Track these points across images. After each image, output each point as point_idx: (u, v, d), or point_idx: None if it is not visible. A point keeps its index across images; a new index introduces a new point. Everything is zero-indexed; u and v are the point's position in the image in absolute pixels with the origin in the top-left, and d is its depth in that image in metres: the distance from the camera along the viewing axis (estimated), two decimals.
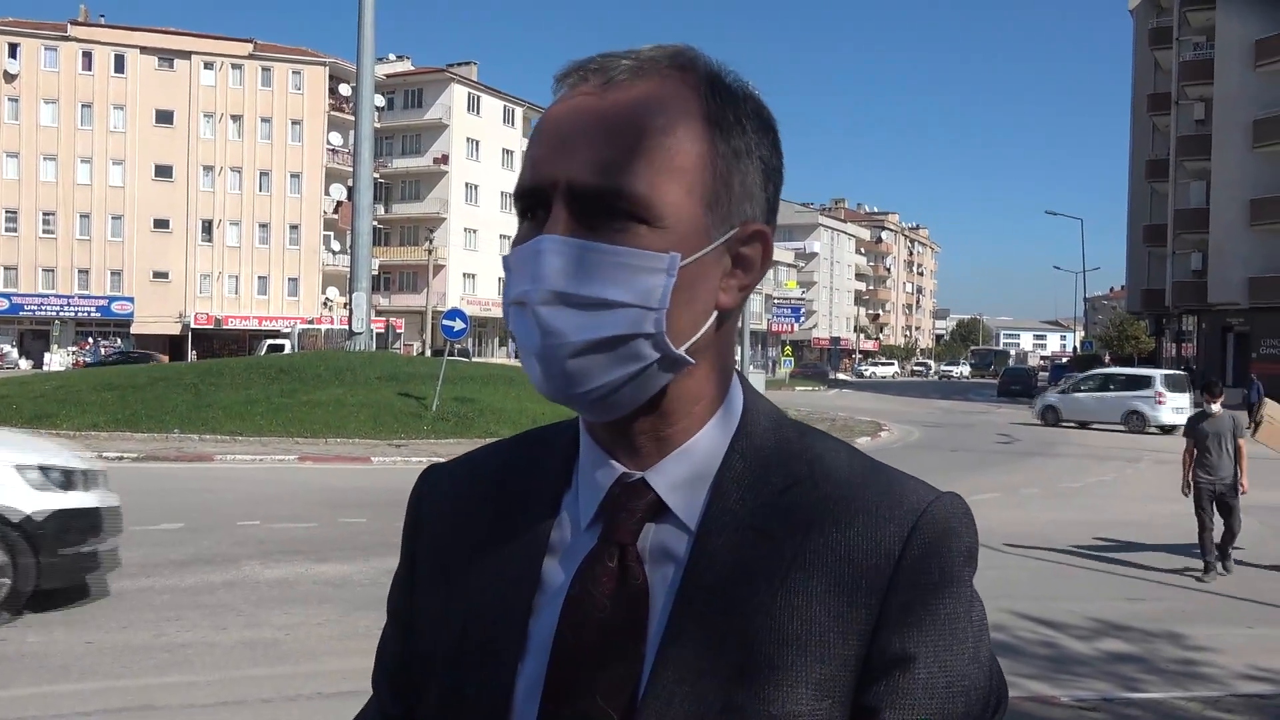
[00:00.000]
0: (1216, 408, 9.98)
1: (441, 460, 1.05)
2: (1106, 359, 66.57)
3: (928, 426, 29.75)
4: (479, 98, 74.18)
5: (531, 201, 0.84)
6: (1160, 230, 54.66)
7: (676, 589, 0.84)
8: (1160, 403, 30.21)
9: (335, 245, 67.54)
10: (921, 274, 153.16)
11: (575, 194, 0.81)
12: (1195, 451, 9.99)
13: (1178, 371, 35.57)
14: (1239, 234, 46.01)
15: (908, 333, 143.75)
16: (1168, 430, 28.76)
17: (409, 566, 1.00)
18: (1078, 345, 77.43)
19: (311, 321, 57.88)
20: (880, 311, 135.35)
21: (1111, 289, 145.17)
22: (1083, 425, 30.88)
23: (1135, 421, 30.14)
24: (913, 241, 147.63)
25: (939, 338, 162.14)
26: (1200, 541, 9.83)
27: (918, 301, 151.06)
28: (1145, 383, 31.01)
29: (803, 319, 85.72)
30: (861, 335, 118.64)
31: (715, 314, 0.86)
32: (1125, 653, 7.33)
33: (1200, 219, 49.29)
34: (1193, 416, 10.04)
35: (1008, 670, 6.68)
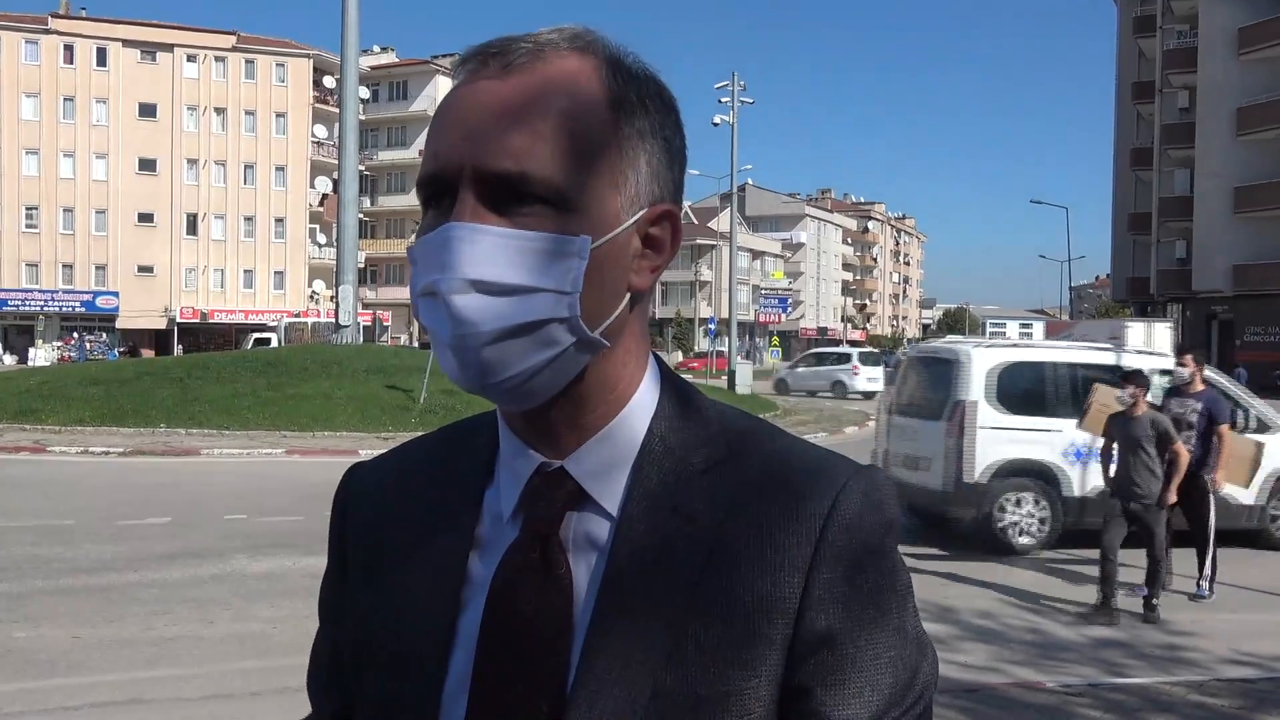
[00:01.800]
0: (1128, 399, 8.08)
1: (363, 460, 1.05)
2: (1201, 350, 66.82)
3: None
4: None
5: (436, 189, 0.82)
6: (1145, 218, 54.89)
7: (600, 576, 0.84)
8: (856, 374, 38.12)
9: (321, 238, 67.30)
10: (908, 264, 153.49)
11: (481, 180, 0.79)
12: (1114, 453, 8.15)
13: (872, 349, 45.48)
14: (1223, 222, 46.28)
15: (895, 322, 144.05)
16: (868, 396, 34.98)
17: (338, 567, 1.00)
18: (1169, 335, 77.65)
19: (298, 315, 57.70)
20: (867, 301, 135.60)
21: (1097, 277, 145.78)
22: (811, 394, 37.20)
23: (839, 389, 37.54)
24: (899, 231, 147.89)
25: (926, 327, 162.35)
26: (1100, 570, 8.00)
27: (904, 291, 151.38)
28: (846, 359, 39.97)
29: (790, 309, 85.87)
30: (849, 325, 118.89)
31: (628, 296, 0.85)
32: (1111, 638, 7.39)
33: (1185, 207, 49.55)
34: (1113, 414, 8.22)
35: (995, 657, 6.72)
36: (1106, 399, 9.43)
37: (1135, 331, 46.52)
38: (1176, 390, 9.11)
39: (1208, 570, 8.65)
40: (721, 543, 0.82)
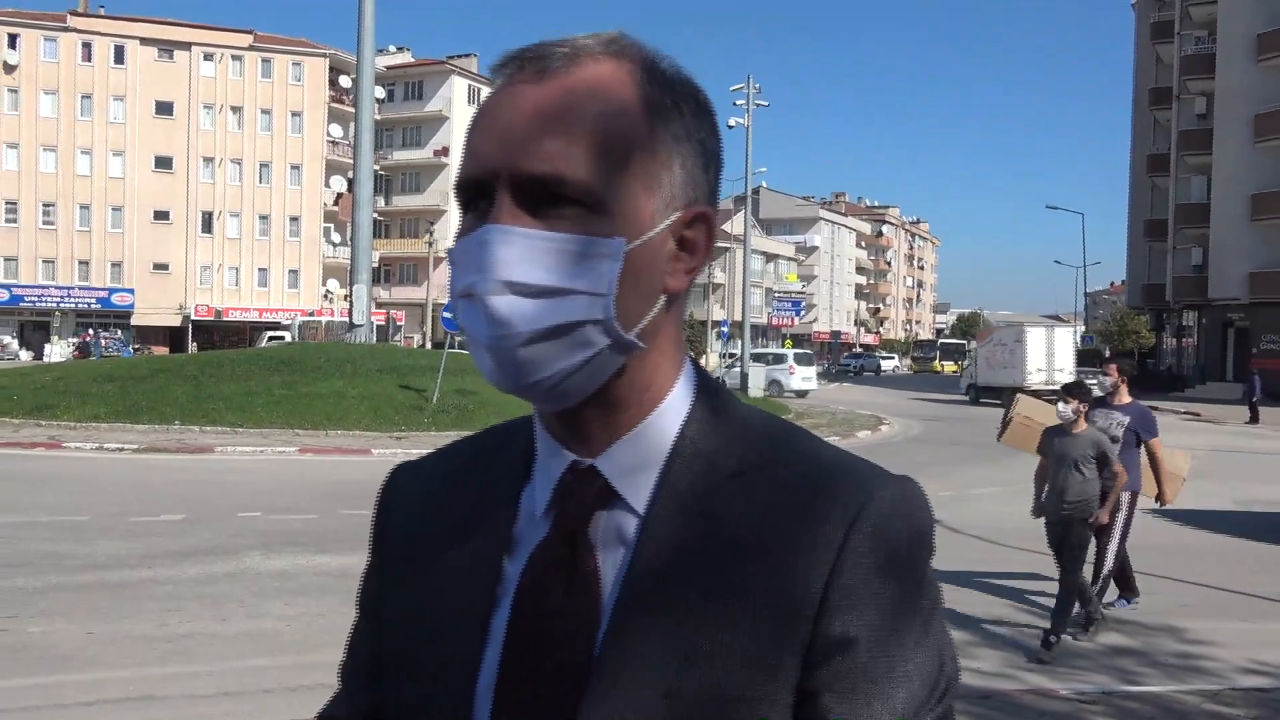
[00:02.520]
0: (1071, 416, 7.35)
1: (409, 459, 1.06)
2: (1106, 354, 66.62)
3: (928, 420, 29.76)
4: (479, 90, 74.08)
5: (473, 193, 0.84)
6: (1161, 225, 54.63)
7: (624, 574, 0.84)
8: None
9: (335, 237, 67.50)
10: (922, 268, 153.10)
11: (518, 183, 0.81)
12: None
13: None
14: (1240, 229, 46.00)
15: (908, 327, 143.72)
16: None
17: (378, 563, 1.01)
18: (1078, 340, 77.42)
19: (312, 314, 57.95)
20: (881, 305, 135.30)
21: (1112, 283, 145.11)
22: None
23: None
24: (913, 235, 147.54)
25: (939, 331, 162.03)
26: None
27: (918, 295, 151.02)
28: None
29: (803, 312, 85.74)
30: (862, 329, 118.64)
31: (664, 298, 0.86)
32: (1124, 646, 7.35)
33: (1201, 214, 49.28)
34: (1049, 429, 7.56)
35: (1008, 663, 6.69)
36: (1030, 411, 8.93)
37: (1035, 336, 46.80)
38: (1101, 401, 8.35)
39: (1098, 585, 7.90)
40: (745, 546, 0.82)
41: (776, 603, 0.81)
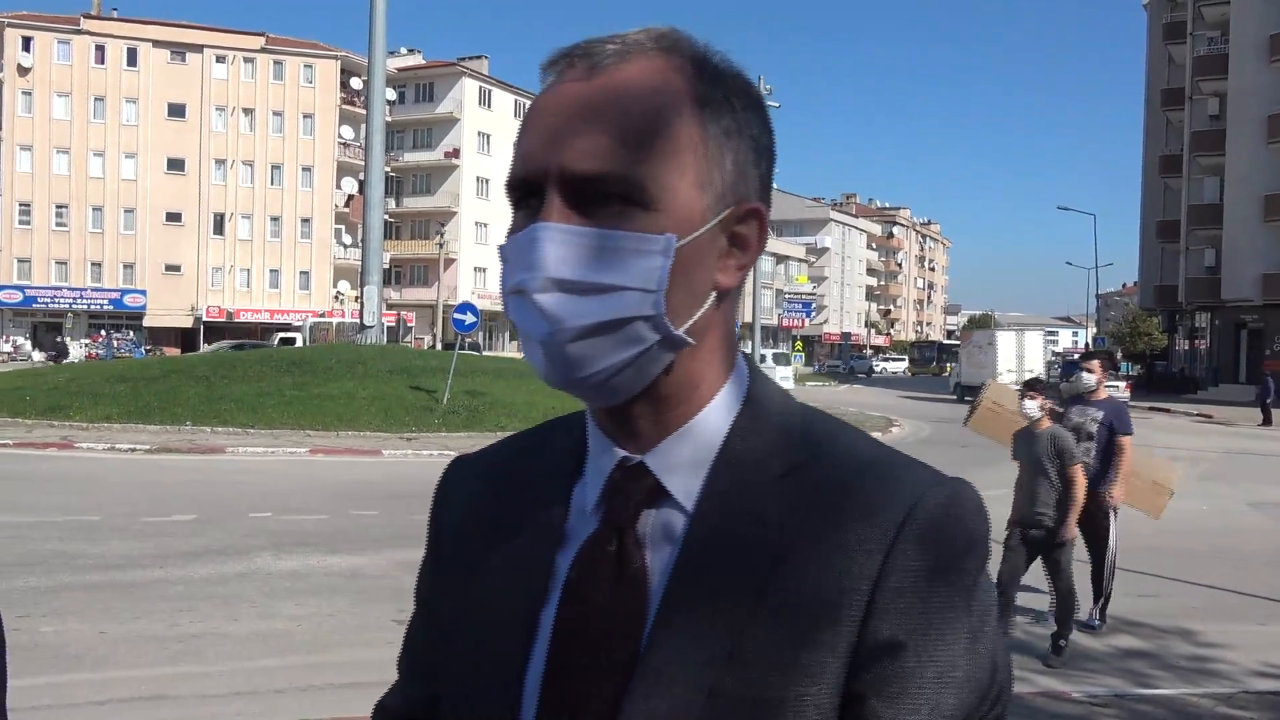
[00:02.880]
0: (1036, 413, 7.10)
1: (466, 453, 1.07)
2: (1119, 355, 66.36)
3: (938, 422, 29.65)
4: (490, 91, 74.19)
5: (524, 191, 0.84)
6: (1174, 226, 54.41)
7: (670, 571, 0.84)
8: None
9: (347, 239, 67.66)
10: (933, 269, 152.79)
11: (568, 181, 0.80)
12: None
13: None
14: (1253, 230, 45.80)
15: (919, 328, 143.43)
16: None
17: (433, 556, 1.02)
18: (1090, 341, 77.15)
19: (323, 315, 58.07)
20: (891, 307, 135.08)
21: (1124, 285, 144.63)
22: None
23: None
24: (924, 236, 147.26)
25: (950, 333, 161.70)
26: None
27: (929, 297, 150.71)
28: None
29: (814, 314, 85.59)
30: (872, 330, 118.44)
31: (714, 294, 0.86)
32: (1137, 649, 7.32)
33: (1214, 215, 49.08)
34: (1018, 432, 7.26)
35: (1020, 666, 6.66)
36: (999, 397, 8.44)
37: (1005, 339, 48.45)
38: (1079, 398, 8.09)
39: (1103, 598, 7.82)
40: (792, 547, 0.81)
41: (823, 604, 0.80)
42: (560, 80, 0.84)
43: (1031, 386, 7.25)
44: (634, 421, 0.87)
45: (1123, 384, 41.29)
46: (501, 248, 0.86)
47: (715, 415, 0.88)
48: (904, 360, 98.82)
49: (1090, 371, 8.02)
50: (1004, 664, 0.84)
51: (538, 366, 0.84)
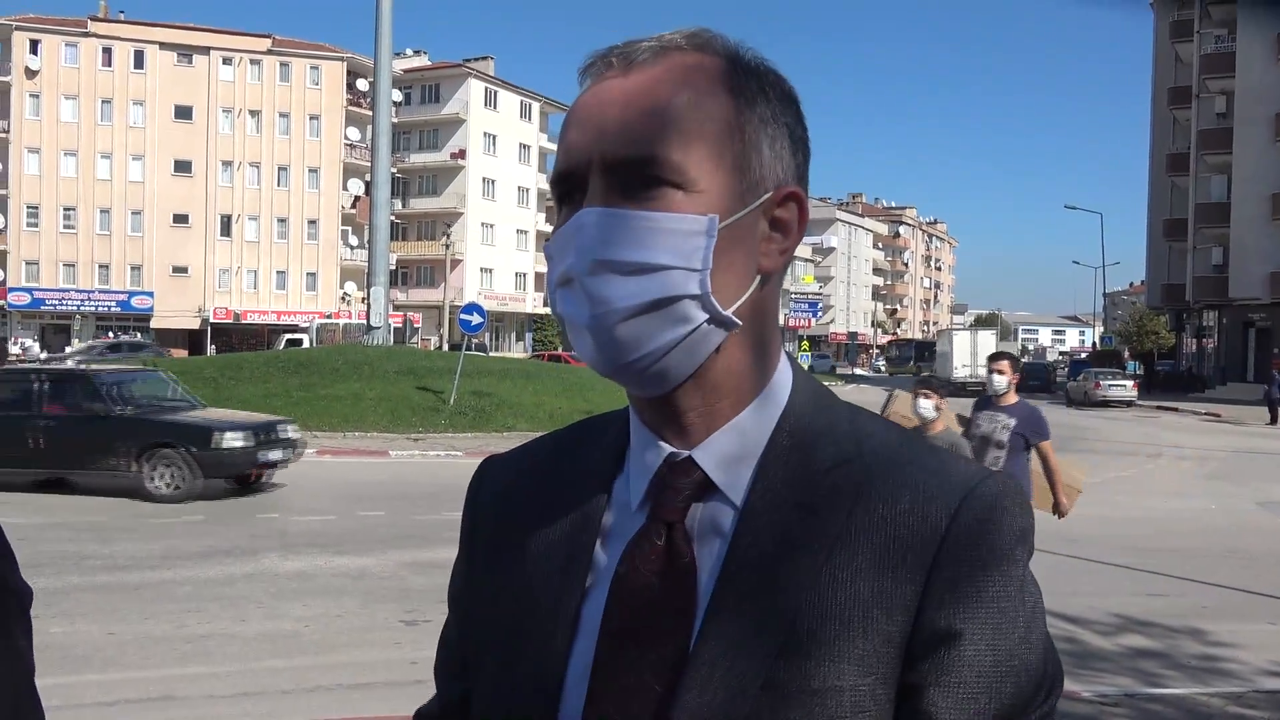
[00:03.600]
0: (932, 414, 6.77)
1: (498, 453, 1.07)
2: (1126, 355, 66.19)
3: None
4: (496, 93, 74.23)
5: (568, 186, 0.86)
6: (1181, 225, 54.27)
7: (720, 565, 0.84)
8: None
9: (353, 240, 67.74)
10: (939, 268, 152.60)
11: (609, 167, 0.83)
12: None
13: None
14: (1261, 228, 45.67)
15: (925, 327, 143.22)
16: None
17: (466, 554, 1.02)
18: (1097, 340, 76.96)
19: (329, 316, 58.14)
20: (898, 306, 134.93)
21: (1131, 284, 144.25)
22: None
23: None
24: (930, 236, 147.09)
25: (925, 331, 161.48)
26: None
27: (935, 296, 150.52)
28: None
29: (820, 314, 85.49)
30: (879, 330, 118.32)
31: (759, 278, 0.87)
32: (1147, 648, 7.29)
33: (1221, 213, 48.93)
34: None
35: None
36: (905, 409, 7.78)
37: (961, 339, 51.02)
38: (987, 402, 7.40)
39: None
40: (843, 539, 0.82)
41: (875, 596, 0.81)
42: (599, 80, 0.87)
43: (925, 385, 6.86)
44: (680, 416, 0.88)
45: (1130, 383, 41.23)
46: (546, 246, 0.88)
47: (760, 410, 0.89)
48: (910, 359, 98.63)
49: (999, 373, 7.33)
50: (1054, 658, 0.85)
51: (587, 355, 0.85)
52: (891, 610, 0.80)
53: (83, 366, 15.11)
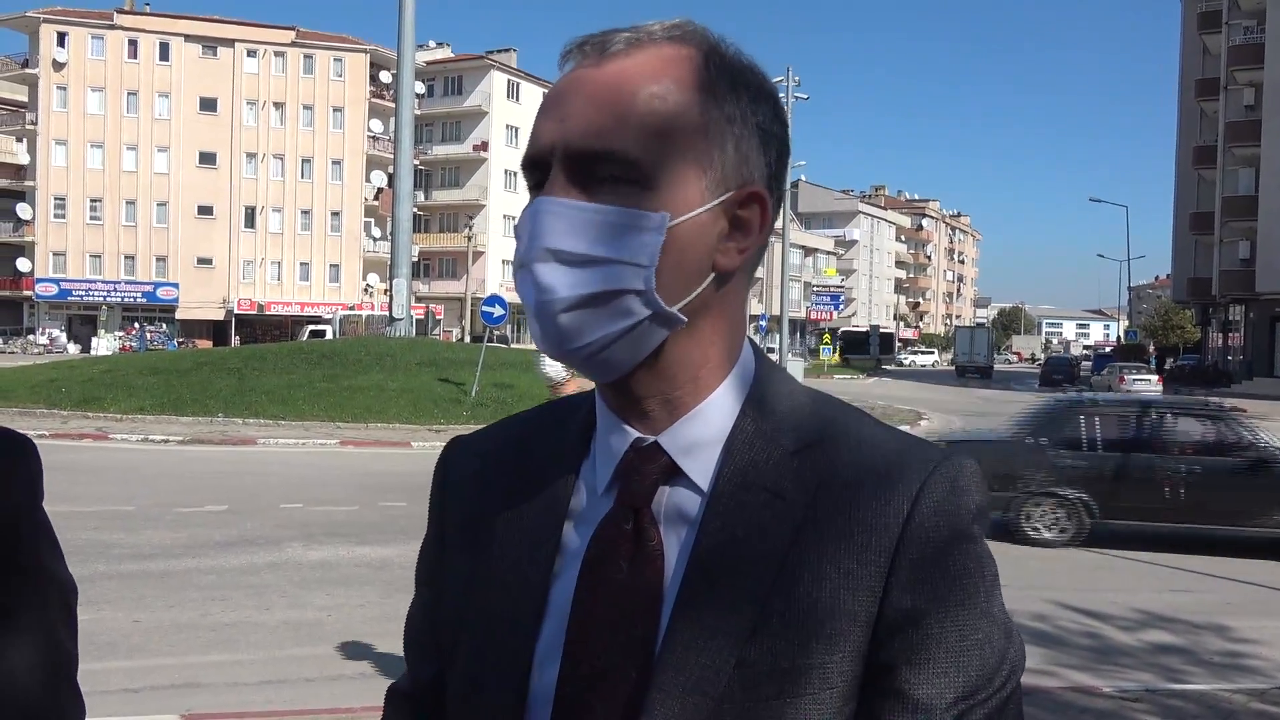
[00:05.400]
0: (560, 375, 5.74)
1: (464, 433, 1.08)
2: (1151, 349, 65.66)
3: (968, 416, 29.48)
4: (518, 84, 74.30)
5: (536, 172, 0.87)
6: (1207, 218, 53.77)
7: (690, 549, 0.86)
8: None
9: (376, 232, 68.01)
10: (963, 262, 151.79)
11: (570, 158, 0.84)
12: None
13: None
14: None
15: (948, 321, 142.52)
16: None
17: (436, 535, 1.03)
18: (1122, 335, 76.43)
19: (352, 308, 58.45)
20: (920, 299, 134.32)
21: (1157, 277, 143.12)
22: None
23: None
24: (954, 229, 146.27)
25: (957, 325, 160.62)
26: None
27: (958, 290, 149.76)
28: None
29: (842, 307, 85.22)
30: (901, 323, 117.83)
31: (713, 276, 0.87)
32: (1169, 644, 7.26)
33: (1249, 206, 48.47)
34: None
35: (1051, 660, 6.63)
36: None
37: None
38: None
39: None
40: (809, 521, 0.84)
41: (842, 577, 0.83)
42: (574, 68, 0.88)
43: None
44: (642, 402, 0.89)
45: (1155, 378, 40.94)
46: (515, 227, 0.89)
47: (725, 396, 0.90)
48: (933, 353, 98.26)
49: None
50: (1016, 632, 0.87)
51: (536, 338, 0.87)
52: (857, 590, 0.82)
53: (1218, 401, 12.81)
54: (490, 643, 0.91)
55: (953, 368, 66.87)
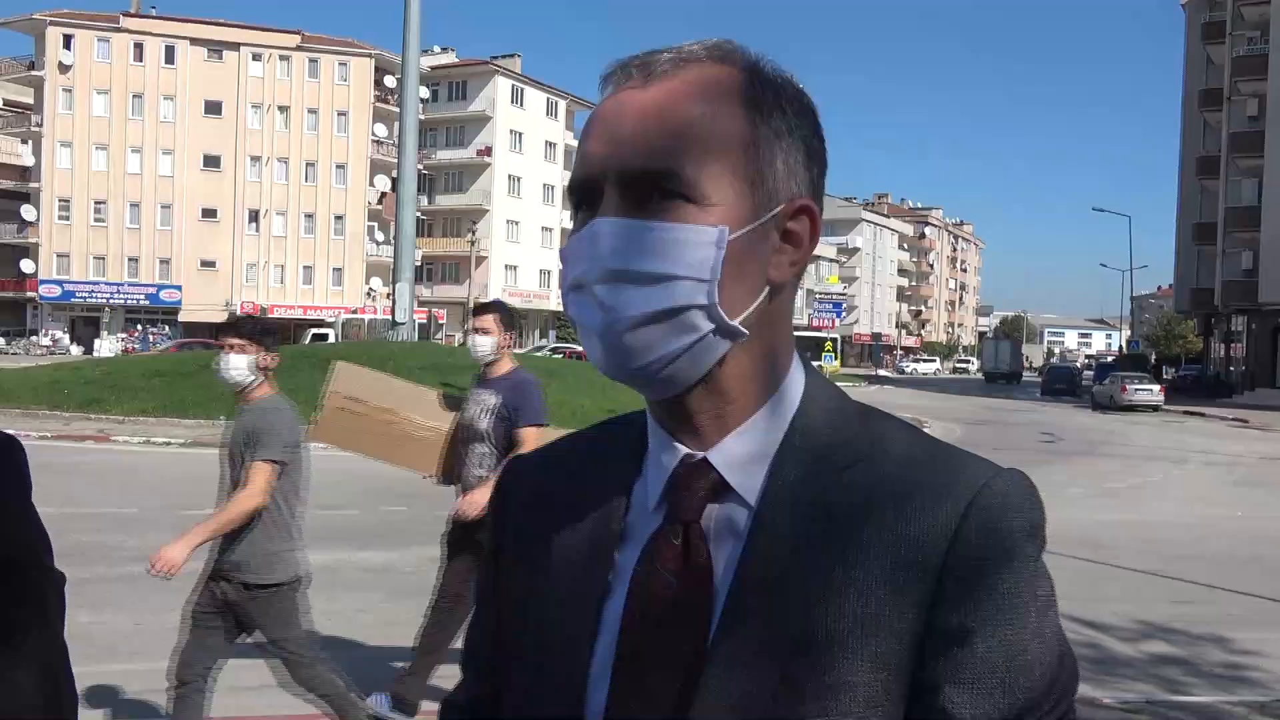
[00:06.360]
0: (246, 376, 4.63)
1: (524, 452, 1.12)
2: (1152, 359, 65.62)
3: (970, 424, 29.49)
4: (522, 90, 74.40)
5: (585, 194, 0.88)
6: (1210, 228, 53.77)
7: (737, 565, 0.87)
8: None
9: (379, 236, 68.07)
10: (965, 270, 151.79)
11: (624, 179, 0.85)
12: None
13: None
14: None
15: (950, 329, 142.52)
16: None
17: (495, 550, 1.05)
18: (1124, 344, 76.38)
19: (355, 311, 58.41)
20: (923, 308, 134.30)
21: (1159, 287, 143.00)
22: None
23: None
24: (956, 237, 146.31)
25: (982, 335, 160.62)
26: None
27: (961, 298, 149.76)
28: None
29: (844, 314, 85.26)
30: (903, 331, 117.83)
31: (768, 289, 0.89)
32: (1170, 655, 7.25)
33: (1252, 217, 48.46)
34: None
35: None
36: (356, 388, 5.79)
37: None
38: (480, 378, 5.52)
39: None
40: (857, 537, 0.84)
41: (889, 594, 0.83)
42: (618, 90, 0.89)
43: (225, 331, 4.72)
44: (694, 418, 0.90)
45: (1157, 388, 40.87)
46: (561, 251, 0.90)
47: (775, 411, 0.91)
48: (935, 361, 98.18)
49: (482, 332, 5.28)
50: (1070, 655, 0.86)
51: (597, 360, 0.88)
52: (903, 608, 0.82)
53: None
54: (546, 663, 0.92)
55: (951, 374, 66.71)
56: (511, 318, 5.43)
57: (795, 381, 0.93)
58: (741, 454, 0.90)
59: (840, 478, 0.87)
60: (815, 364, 0.97)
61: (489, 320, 5.27)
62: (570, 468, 1.01)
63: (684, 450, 0.91)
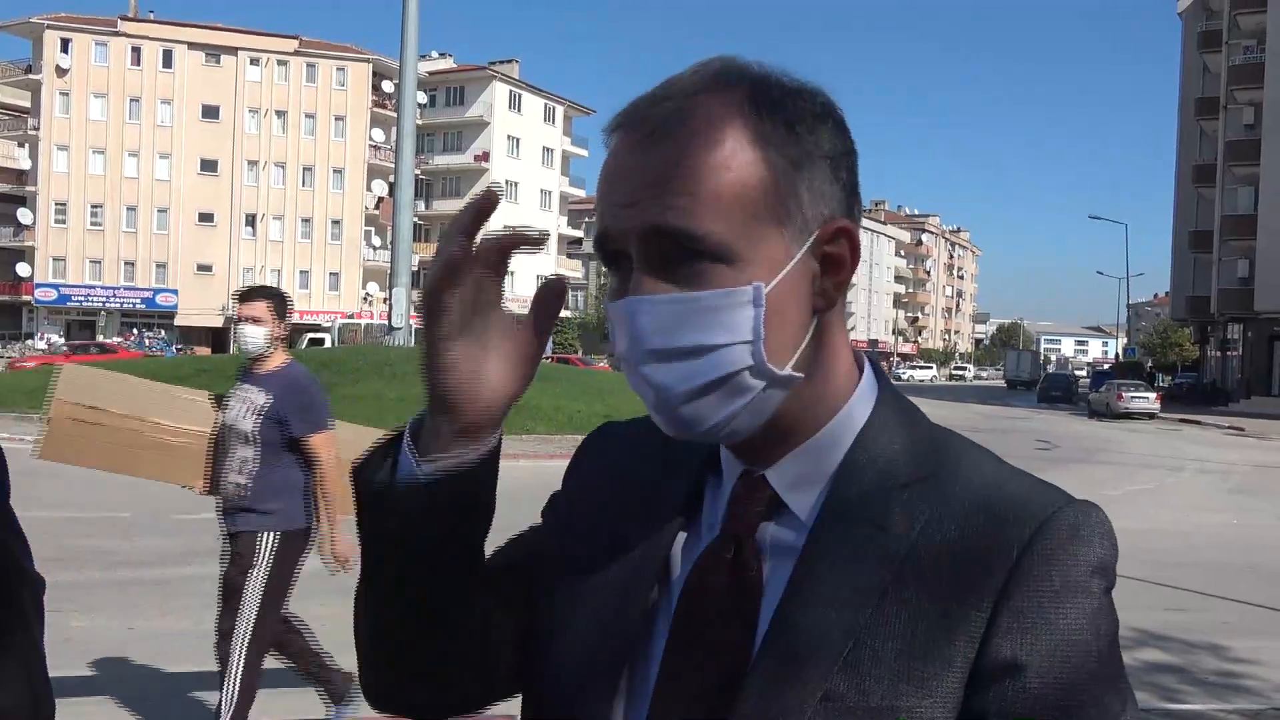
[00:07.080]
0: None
1: (617, 420, 1.10)
2: (1149, 366, 65.74)
3: (966, 432, 29.19)
4: (520, 95, 74.48)
5: (611, 250, 0.86)
6: (1206, 236, 53.88)
7: (787, 579, 0.85)
8: None
9: (376, 241, 68.10)
10: (962, 277, 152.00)
11: (648, 246, 0.82)
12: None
13: None
14: None
15: (947, 336, 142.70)
16: None
17: (562, 501, 1.05)
18: (1120, 352, 76.47)
19: (352, 316, 58.48)
20: (919, 315, 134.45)
21: (1155, 295, 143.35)
22: None
23: None
24: (953, 245, 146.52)
25: (979, 342, 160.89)
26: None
27: (958, 305, 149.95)
28: None
29: None
30: (900, 338, 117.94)
31: (814, 321, 0.86)
32: (1165, 663, 7.24)
33: (1248, 225, 48.58)
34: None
35: None
36: (86, 393, 4.83)
37: None
38: (245, 372, 4.87)
39: (230, 694, 4.79)
40: (912, 558, 0.82)
41: (940, 618, 0.80)
42: (625, 144, 0.85)
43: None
44: (753, 440, 0.89)
45: (1153, 395, 40.93)
46: (608, 308, 0.89)
47: (840, 429, 0.89)
48: (931, 368, 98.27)
49: (255, 321, 4.62)
50: (1133, 702, 0.83)
51: (660, 425, 0.87)
52: (955, 634, 0.79)
53: None
54: (598, 656, 0.91)
55: (950, 382, 66.80)
56: (285, 305, 4.78)
57: (863, 399, 0.91)
58: (800, 473, 0.89)
59: (901, 495, 0.85)
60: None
61: (261, 307, 4.62)
62: (651, 454, 0.98)
63: (743, 466, 0.91)
